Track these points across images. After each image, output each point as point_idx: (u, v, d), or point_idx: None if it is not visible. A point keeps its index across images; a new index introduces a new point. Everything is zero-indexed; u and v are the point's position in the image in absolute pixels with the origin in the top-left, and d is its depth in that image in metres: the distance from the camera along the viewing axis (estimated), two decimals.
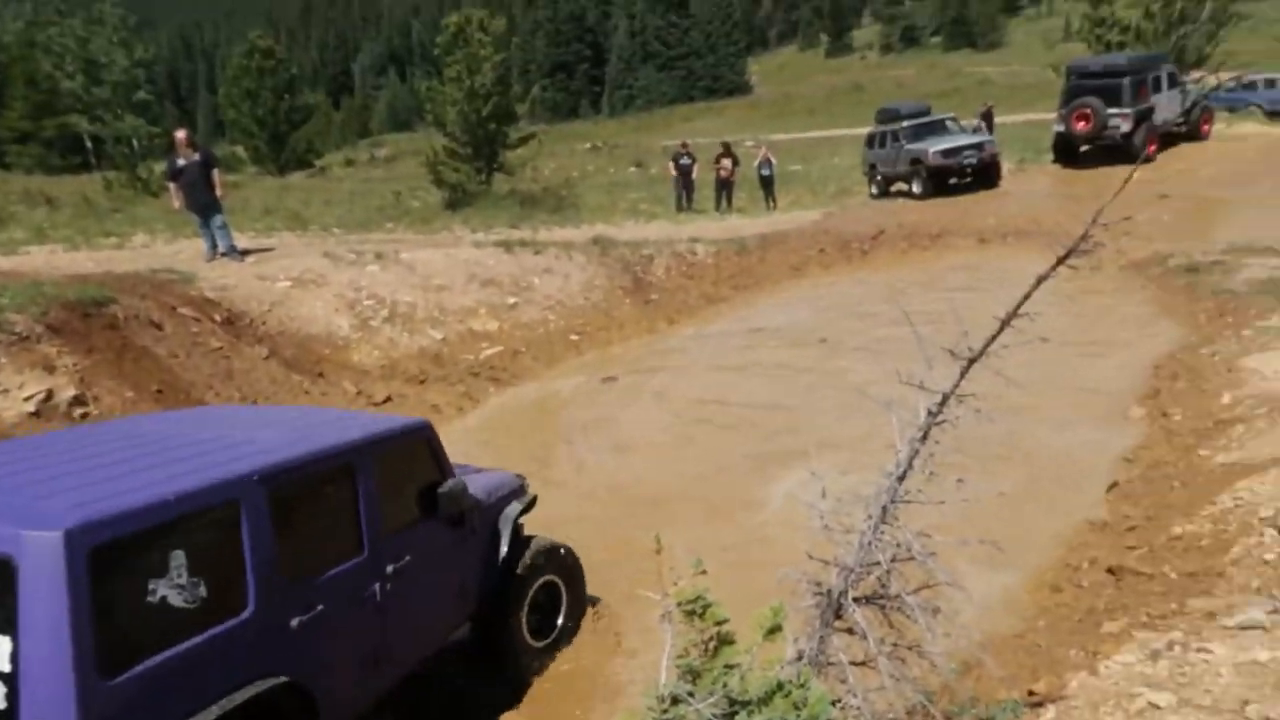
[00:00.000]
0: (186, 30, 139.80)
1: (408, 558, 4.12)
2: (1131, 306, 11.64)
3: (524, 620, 4.99)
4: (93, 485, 3.02)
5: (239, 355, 9.45)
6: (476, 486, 4.88)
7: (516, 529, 5.17)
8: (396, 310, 11.68)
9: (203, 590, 3.02)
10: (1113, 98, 19.63)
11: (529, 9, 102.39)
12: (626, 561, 5.93)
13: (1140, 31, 27.36)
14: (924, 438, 2.94)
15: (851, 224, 17.88)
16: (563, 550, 5.37)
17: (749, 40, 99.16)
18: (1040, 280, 2.66)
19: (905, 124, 20.70)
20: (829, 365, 10.49)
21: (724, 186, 21.45)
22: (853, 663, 3.42)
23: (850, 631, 3.40)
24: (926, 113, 21.81)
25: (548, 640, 5.18)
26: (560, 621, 5.33)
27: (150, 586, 2.87)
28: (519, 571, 4.96)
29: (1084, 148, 20.75)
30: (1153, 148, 19.96)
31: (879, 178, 21.35)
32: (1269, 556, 4.86)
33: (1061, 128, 20.70)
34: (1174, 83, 21.15)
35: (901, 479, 3.21)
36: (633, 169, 37.82)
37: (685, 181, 21.67)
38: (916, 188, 19.94)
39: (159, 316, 9.17)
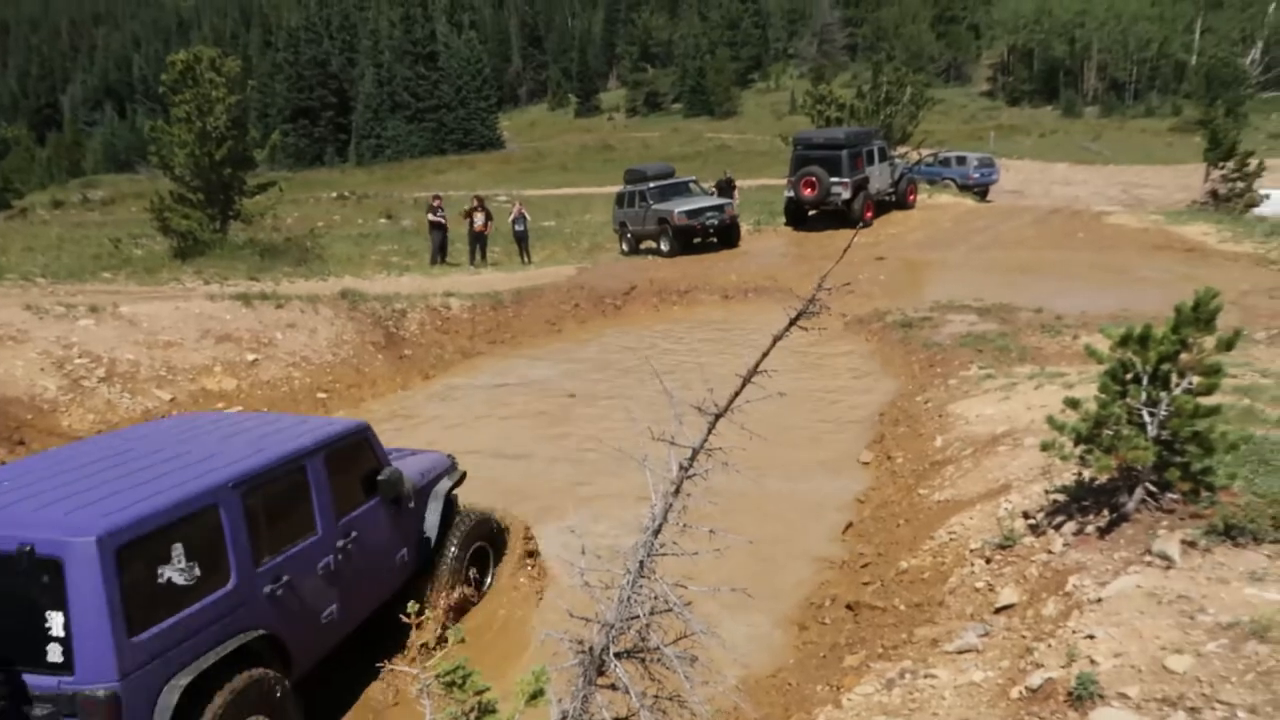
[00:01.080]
0: None
1: (354, 533, 5.34)
2: (857, 359, 12.71)
3: (460, 573, 6.22)
4: (109, 498, 4.11)
5: None
6: (410, 468, 6.08)
7: (449, 500, 6.45)
8: (115, 369, 10.63)
9: (196, 570, 4.16)
10: (834, 168, 21.58)
11: (267, 51, 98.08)
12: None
13: (854, 109, 30.35)
14: (676, 491, 3.02)
15: (605, 279, 18.33)
16: (490, 525, 6.71)
17: (499, 96, 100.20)
18: (775, 340, 2.83)
19: (652, 185, 21.62)
20: (582, 420, 10.63)
21: (478, 240, 21.37)
22: (616, 718, 3.43)
23: (613, 687, 3.41)
24: (671, 174, 22.91)
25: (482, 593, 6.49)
26: (489, 579, 6.65)
27: (159, 570, 4.01)
28: (455, 539, 6.26)
29: (812, 212, 22.63)
30: (869, 214, 22.09)
31: (629, 235, 22.11)
32: (979, 585, 5.38)
33: (792, 193, 22.46)
34: (884, 156, 23.59)
35: (656, 532, 3.28)
36: (383, 220, 36.89)
37: (440, 234, 21.40)
38: (664, 246, 20.83)
39: None
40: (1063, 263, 17.38)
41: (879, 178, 23.01)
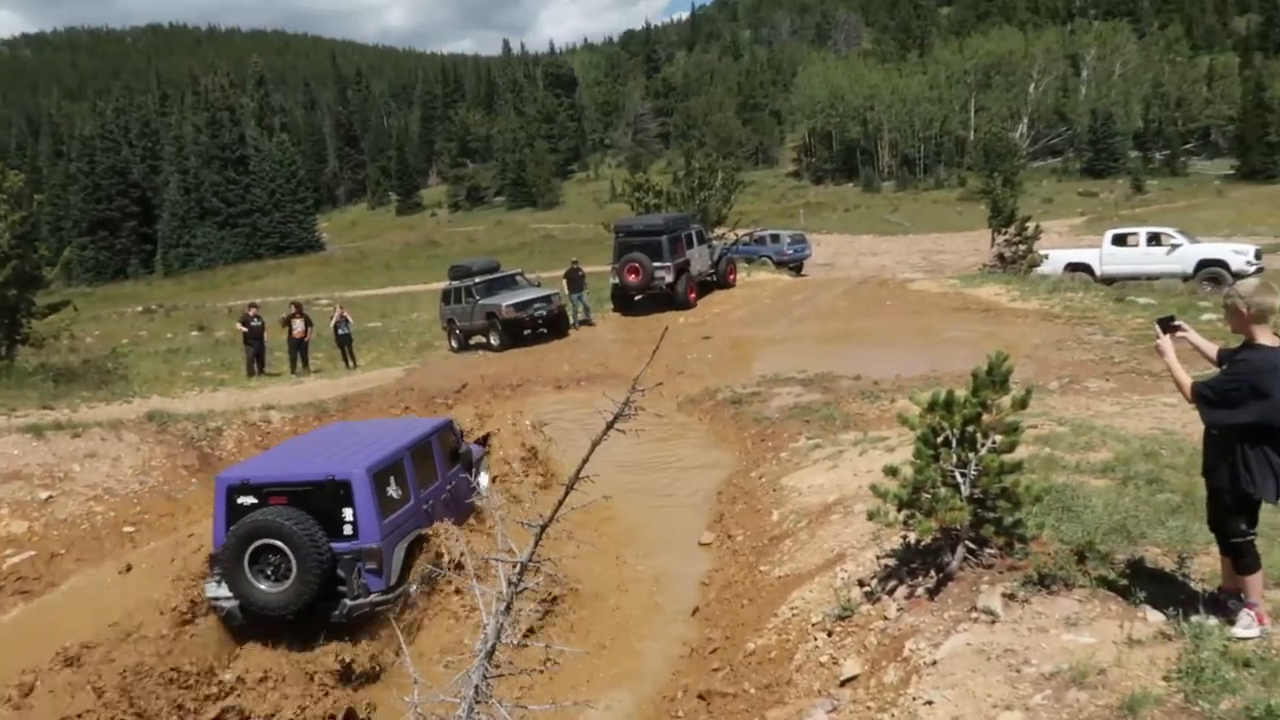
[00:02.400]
0: None
1: (453, 480, 9.14)
2: (692, 439, 12.88)
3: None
4: (362, 450, 8.06)
5: None
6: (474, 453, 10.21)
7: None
8: None
9: (399, 492, 7.97)
10: (656, 253, 22.18)
11: (59, 161, 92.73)
12: None
13: (671, 195, 31.46)
14: (507, 609, 2.90)
15: (435, 378, 17.95)
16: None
17: (316, 198, 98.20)
18: (594, 445, 2.79)
19: (478, 280, 21.51)
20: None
21: (298, 348, 20.57)
22: None
23: None
24: (497, 268, 22.88)
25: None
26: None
27: (387, 489, 7.73)
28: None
29: (638, 296, 23.10)
30: (693, 295, 22.76)
31: (458, 332, 21.83)
32: (823, 659, 5.43)
33: (617, 280, 22.88)
34: (703, 239, 24.47)
35: (490, 654, 3.13)
36: (195, 332, 35.00)
37: (257, 345, 20.46)
38: (494, 340, 20.68)
39: None
40: (875, 330, 18.38)
41: (699, 260, 23.80)
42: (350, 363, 21.09)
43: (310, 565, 7.15)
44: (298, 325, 20.43)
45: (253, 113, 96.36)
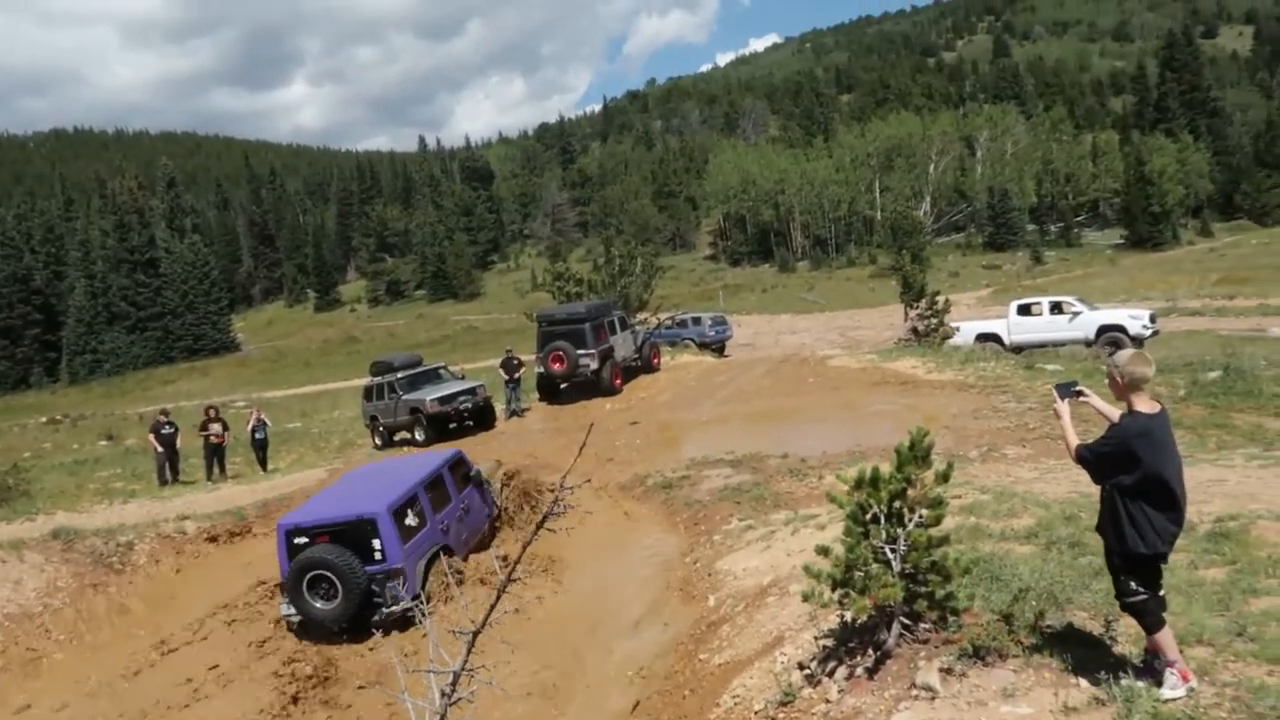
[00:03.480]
0: None
1: (466, 499, 11.86)
2: (624, 526, 12.76)
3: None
4: (385, 491, 10.64)
5: None
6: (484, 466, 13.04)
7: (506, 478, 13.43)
8: None
9: (417, 520, 10.47)
10: (579, 340, 22.28)
11: None
12: None
13: (591, 283, 31.81)
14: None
15: None
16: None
17: (231, 298, 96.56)
18: (525, 547, 2.76)
19: (400, 375, 21.27)
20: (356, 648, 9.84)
21: (215, 453, 19.93)
22: None
23: None
24: (419, 363, 22.68)
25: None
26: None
27: (406, 520, 10.27)
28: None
29: (564, 385, 23.08)
30: (619, 381, 22.84)
31: (381, 428, 21.45)
32: None
33: (542, 369, 22.86)
34: (625, 325, 24.68)
35: None
36: (104, 442, 33.67)
37: (169, 452, 19.75)
38: (419, 435, 20.35)
39: None
40: (799, 407, 18.65)
41: (623, 345, 23.96)
42: (267, 467, 20.51)
43: (351, 587, 9.67)
44: (214, 429, 19.84)
45: (163, 214, 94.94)
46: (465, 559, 11.24)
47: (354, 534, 9.93)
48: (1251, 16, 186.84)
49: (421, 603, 8.81)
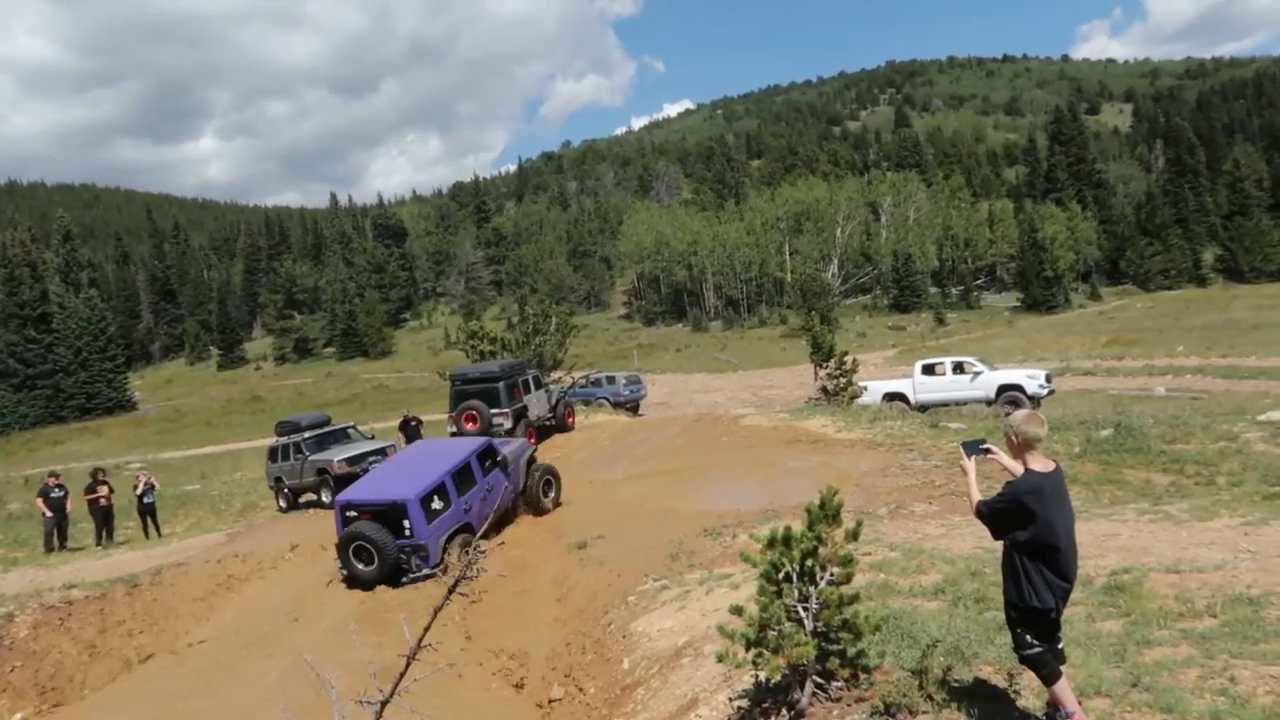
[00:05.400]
0: None
1: (491, 481, 14.83)
2: (541, 588, 12.57)
3: (539, 490, 15.97)
4: (417, 478, 13.68)
5: None
6: (511, 450, 16.09)
7: (530, 460, 16.61)
8: None
9: (442, 504, 13.53)
10: (493, 400, 22.09)
11: None
12: None
13: (505, 341, 31.65)
14: None
15: (263, 541, 16.90)
16: (551, 468, 16.60)
17: (128, 355, 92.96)
18: (436, 612, 2.70)
19: (307, 435, 20.70)
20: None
21: (104, 517, 18.98)
22: None
23: None
24: (327, 423, 22.11)
25: (547, 500, 16.09)
26: (553, 493, 16.32)
27: (432, 505, 13.34)
28: (532, 475, 16.06)
29: None
30: (533, 440, 22.65)
31: (286, 490, 20.77)
32: None
33: (454, 429, 22.53)
34: (539, 384, 24.58)
35: None
36: None
37: (59, 517, 18.74)
38: (326, 497, 19.75)
39: None
40: (713, 465, 18.75)
41: (537, 405, 23.83)
42: (156, 532, 19.64)
43: (386, 556, 12.83)
44: (103, 491, 18.94)
45: (57, 268, 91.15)
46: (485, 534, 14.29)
47: (389, 513, 13.10)
48: (1130, 95, 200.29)
49: (439, 572, 12.92)
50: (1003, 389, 24.22)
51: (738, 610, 5.52)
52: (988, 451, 4.88)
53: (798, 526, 5.45)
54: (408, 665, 2.67)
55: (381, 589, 13.01)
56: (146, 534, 19.67)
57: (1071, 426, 17.09)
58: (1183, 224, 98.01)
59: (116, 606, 13.33)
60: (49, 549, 18.43)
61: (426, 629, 2.71)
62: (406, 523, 12.96)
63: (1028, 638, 4.49)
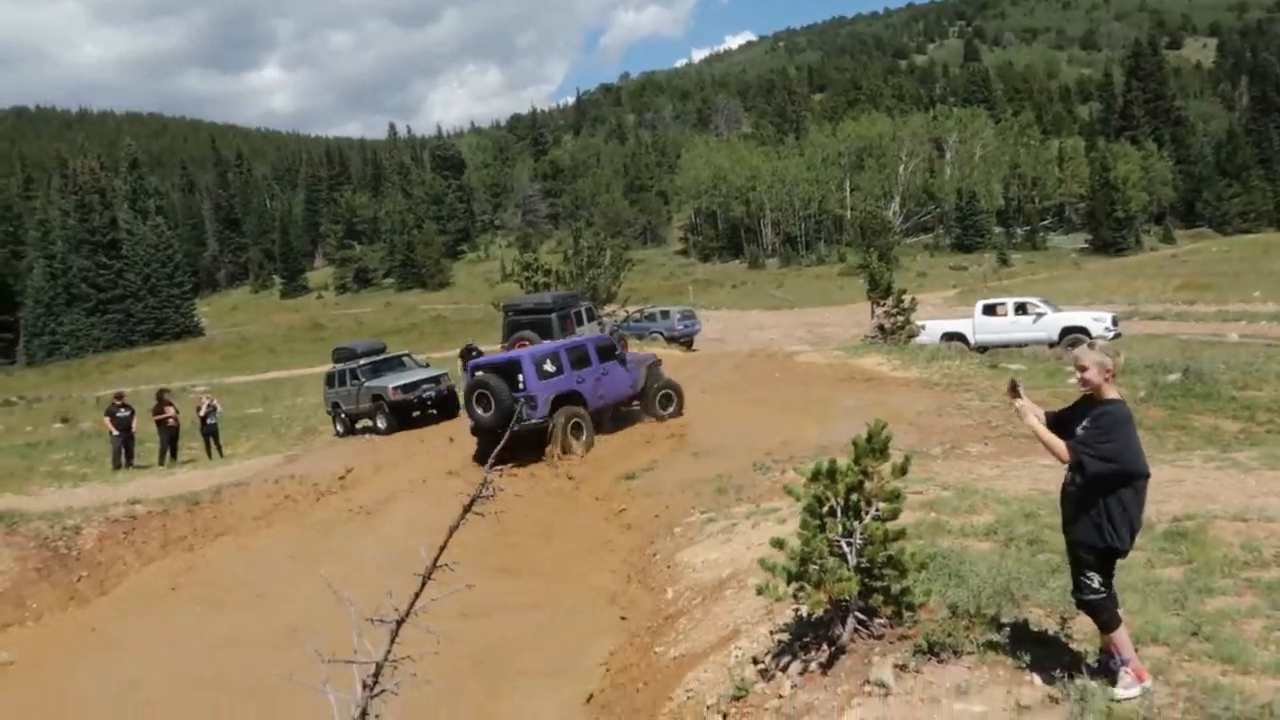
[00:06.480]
0: None
1: (606, 370, 16.68)
2: (586, 517, 12.62)
3: (656, 401, 17.20)
4: (537, 348, 17.00)
5: None
6: (633, 357, 18.05)
7: (651, 369, 17.81)
8: None
9: (554, 369, 15.77)
10: (545, 330, 22.05)
11: None
12: None
13: (560, 274, 31.56)
14: (363, 715, 2.62)
15: (319, 464, 17.25)
16: (672, 382, 17.76)
17: (195, 282, 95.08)
18: (453, 530, 2.61)
19: (363, 362, 20.94)
20: (283, 638, 9.40)
21: (170, 438, 19.52)
22: None
23: None
24: (382, 350, 22.34)
25: (667, 413, 17.14)
26: (671, 409, 17.19)
27: (546, 366, 15.70)
28: (653, 384, 17.39)
29: None
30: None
31: (343, 415, 21.13)
32: None
33: None
34: (591, 316, 24.49)
35: None
36: (58, 425, 32.94)
37: (124, 436, 19.33)
38: (381, 423, 20.06)
39: None
40: (765, 401, 18.56)
41: None
42: (220, 453, 20.16)
43: (500, 402, 14.85)
44: (169, 412, 19.45)
45: (126, 196, 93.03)
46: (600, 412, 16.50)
47: (507, 369, 15.51)
48: (1215, 29, 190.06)
49: (545, 421, 15.13)
50: (1066, 331, 23.52)
51: (779, 543, 5.40)
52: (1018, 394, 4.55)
53: (843, 461, 5.27)
54: (422, 585, 2.59)
55: (429, 520, 12.69)
56: (209, 454, 20.22)
57: (1138, 370, 16.54)
58: (1265, 164, 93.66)
59: (177, 522, 13.74)
60: (116, 466, 19.04)
61: (442, 549, 2.62)
62: (520, 376, 15.18)
63: (1097, 581, 4.27)
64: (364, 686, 2.62)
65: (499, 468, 2.66)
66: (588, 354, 16.40)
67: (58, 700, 8.83)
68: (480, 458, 16.04)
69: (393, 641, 2.59)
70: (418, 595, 2.57)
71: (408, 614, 2.57)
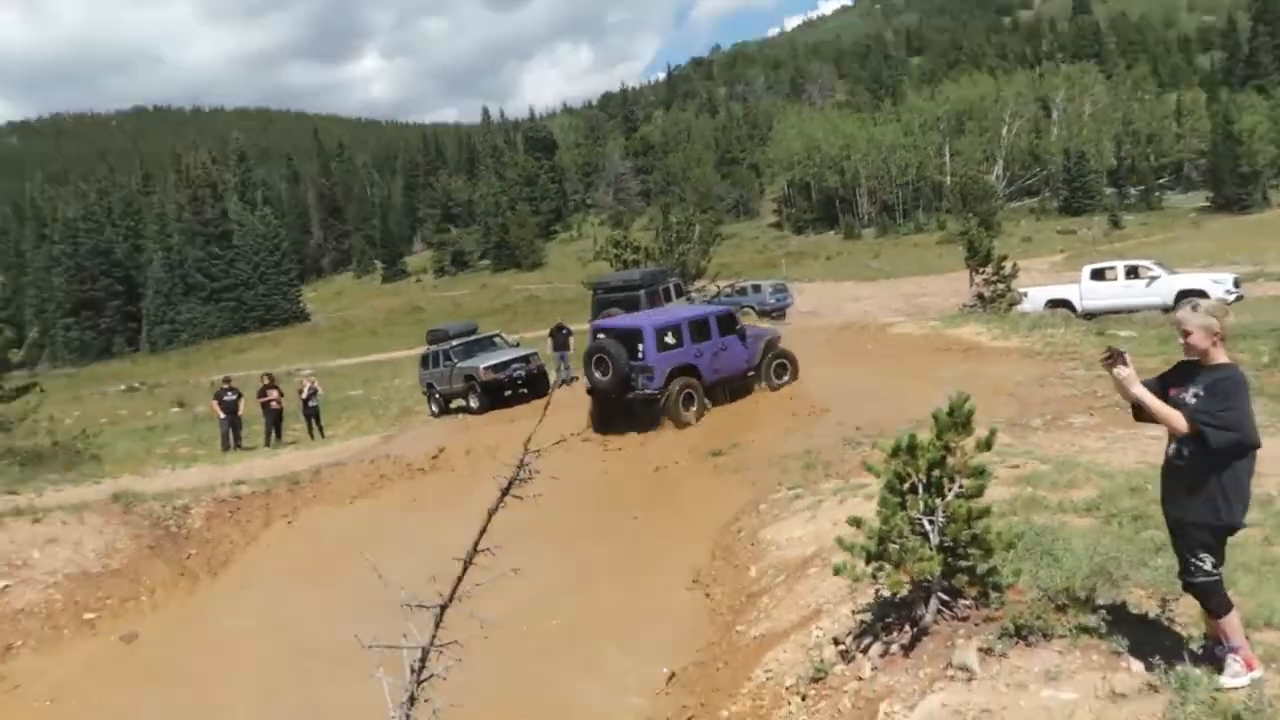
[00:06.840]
0: None
1: (727, 343, 16.27)
2: (674, 492, 12.55)
3: (771, 370, 16.87)
4: (655, 316, 16.86)
5: None
6: (752, 332, 17.35)
7: (769, 343, 17.19)
8: None
9: (674, 340, 15.51)
10: (633, 307, 22.01)
11: (42, 244, 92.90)
12: None
13: (649, 251, 31.49)
14: (411, 700, 2.60)
15: (413, 444, 17.64)
16: (787, 352, 17.29)
17: (301, 269, 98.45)
18: (491, 514, 2.55)
19: (455, 343, 21.30)
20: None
21: (275, 420, 20.27)
22: None
23: None
24: (474, 331, 22.68)
25: (781, 383, 16.92)
26: (785, 378, 16.97)
27: (667, 338, 15.46)
28: (768, 355, 16.90)
29: None
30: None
31: (437, 395, 21.56)
32: None
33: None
34: (680, 292, 24.34)
35: None
36: (175, 409, 34.63)
37: (232, 418, 20.17)
38: (473, 403, 20.37)
39: None
40: (856, 374, 18.11)
41: None
42: (321, 434, 20.81)
43: (618, 369, 15.09)
44: (273, 395, 20.19)
45: (235, 188, 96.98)
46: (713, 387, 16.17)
47: (628, 337, 15.45)
48: None
49: (664, 393, 15.09)
50: (1182, 295, 22.19)
51: (856, 522, 5.20)
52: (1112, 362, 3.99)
53: (924, 435, 5.04)
54: (464, 570, 2.54)
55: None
56: (311, 435, 20.92)
57: (1261, 335, 15.55)
58: None
59: (279, 501, 14.23)
60: (225, 448, 19.87)
61: (482, 532, 2.56)
62: (640, 346, 15.15)
63: (1208, 564, 3.92)
64: (411, 671, 2.59)
65: (535, 449, 2.59)
66: (709, 327, 16.08)
67: (174, 671, 9.25)
68: (597, 422, 16.39)
69: (437, 628, 2.55)
70: (460, 580, 2.53)
71: (450, 599, 2.53)
